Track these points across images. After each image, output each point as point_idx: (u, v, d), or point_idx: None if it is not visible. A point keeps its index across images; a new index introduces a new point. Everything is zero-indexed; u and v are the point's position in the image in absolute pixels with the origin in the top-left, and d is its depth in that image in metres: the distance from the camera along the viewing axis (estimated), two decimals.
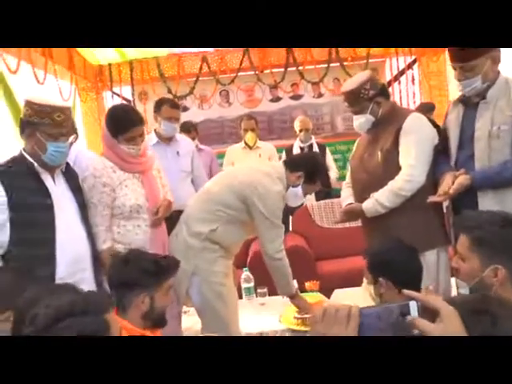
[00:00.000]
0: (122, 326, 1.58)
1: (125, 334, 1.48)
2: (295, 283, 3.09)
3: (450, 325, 0.93)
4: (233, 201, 2.53)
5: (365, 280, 2.06)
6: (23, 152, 2.17)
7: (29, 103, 2.12)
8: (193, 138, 4.16)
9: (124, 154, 2.43)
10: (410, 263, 1.91)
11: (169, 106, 3.37)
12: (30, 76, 4.18)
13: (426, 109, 4.54)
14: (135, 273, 1.78)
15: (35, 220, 2.10)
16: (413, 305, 0.95)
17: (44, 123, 2.10)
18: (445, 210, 2.47)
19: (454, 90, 2.36)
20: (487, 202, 2.15)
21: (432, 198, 2.24)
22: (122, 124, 2.41)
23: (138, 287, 1.77)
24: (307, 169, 2.63)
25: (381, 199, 2.34)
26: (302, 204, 3.44)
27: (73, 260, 2.18)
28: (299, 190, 2.64)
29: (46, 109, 2.11)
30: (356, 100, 2.42)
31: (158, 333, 1.90)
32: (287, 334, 2.67)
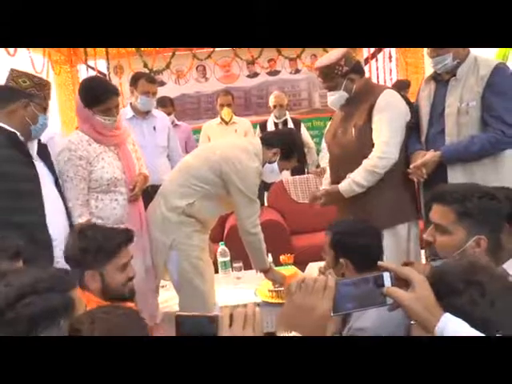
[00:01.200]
0: (87, 299, 1.58)
1: (90, 306, 1.47)
2: (270, 257, 3.16)
3: (421, 292, 1.00)
4: (210, 176, 2.53)
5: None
6: None
7: (27, 75, 2.19)
8: (169, 114, 4.13)
9: (99, 127, 2.41)
10: (374, 248, 1.88)
11: (146, 81, 3.34)
12: None
13: (402, 86, 4.59)
14: (76, 251, 1.76)
15: (23, 190, 2.10)
16: (386, 275, 1.02)
17: (39, 96, 2.19)
18: (416, 186, 2.54)
19: (430, 68, 2.39)
20: (457, 177, 2.22)
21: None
22: (98, 95, 2.38)
23: (82, 265, 1.74)
24: (283, 145, 2.65)
25: (356, 178, 2.37)
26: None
27: (62, 229, 2.24)
28: (275, 166, 2.66)
29: (43, 82, 2.25)
30: (330, 76, 2.43)
31: (132, 305, 1.87)
32: (262, 307, 2.72)
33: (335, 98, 2.50)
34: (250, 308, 0.99)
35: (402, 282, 1.03)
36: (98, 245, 1.76)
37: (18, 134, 2.14)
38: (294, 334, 0.95)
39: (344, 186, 2.41)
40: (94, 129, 2.42)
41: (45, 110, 2.23)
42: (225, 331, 0.96)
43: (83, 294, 1.65)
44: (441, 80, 2.34)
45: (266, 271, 2.74)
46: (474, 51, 2.27)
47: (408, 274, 1.03)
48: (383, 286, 1.01)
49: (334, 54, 2.47)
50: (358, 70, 2.48)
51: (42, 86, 2.20)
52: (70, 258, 1.79)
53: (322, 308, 0.97)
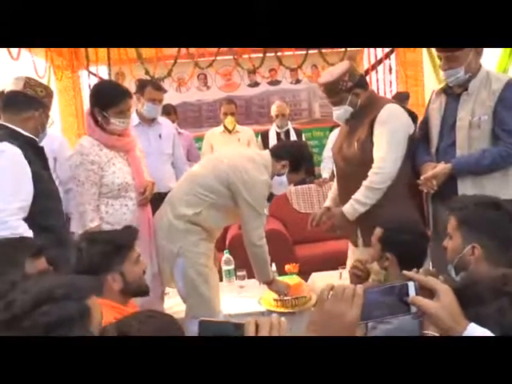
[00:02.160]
0: (102, 304, 1.58)
1: (107, 313, 1.46)
2: (273, 267, 3.17)
3: (446, 301, 1.02)
4: (216, 185, 2.53)
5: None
6: (17, 129, 2.14)
7: (42, 85, 2.30)
8: (172, 121, 4.14)
9: (110, 131, 2.43)
10: (419, 248, 1.96)
11: (152, 88, 3.35)
12: (3, 52, 4.06)
13: (402, 98, 4.62)
14: (94, 258, 1.78)
15: (47, 191, 2.17)
16: (411, 285, 1.04)
17: (49, 106, 2.30)
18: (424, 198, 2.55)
19: (430, 80, 2.43)
20: (466, 189, 2.24)
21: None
22: (112, 97, 2.41)
23: (102, 270, 1.77)
24: (293, 158, 2.65)
25: (357, 197, 2.37)
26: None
27: None
28: (284, 178, 2.66)
29: (51, 92, 2.34)
30: (334, 91, 2.43)
31: (133, 305, 1.91)
32: (266, 316, 2.71)
33: (340, 113, 2.50)
34: (275, 317, 1.00)
35: (426, 292, 1.06)
36: (114, 245, 1.81)
37: (37, 140, 2.20)
38: None
39: (347, 207, 2.40)
40: (105, 134, 2.43)
41: (48, 118, 2.32)
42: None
43: (98, 300, 1.65)
44: (452, 93, 2.37)
45: (270, 283, 2.74)
46: (486, 66, 2.30)
47: (433, 284, 1.06)
48: (408, 295, 1.04)
49: (337, 69, 2.47)
50: (362, 84, 2.48)
51: (51, 97, 2.31)
52: (89, 267, 1.78)
53: (351, 315, 0.99)
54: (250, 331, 0.97)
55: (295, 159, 2.66)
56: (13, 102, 2.15)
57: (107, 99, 2.42)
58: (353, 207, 2.38)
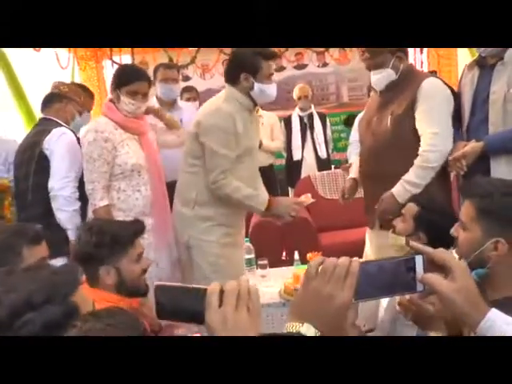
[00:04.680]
0: (96, 297, 1.48)
1: (100, 304, 1.36)
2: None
3: (463, 282, 0.87)
4: (194, 146, 2.36)
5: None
6: (58, 120, 2.70)
7: (67, 84, 2.94)
8: (194, 99, 4.05)
9: (124, 111, 2.40)
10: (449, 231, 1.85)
11: (163, 68, 3.26)
12: None
13: None
14: (87, 247, 1.68)
15: None
16: (419, 259, 0.86)
17: (73, 98, 2.82)
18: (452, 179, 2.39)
19: (464, 59, 2.24)
20: (501, 170, 2.06)
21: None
22: (126, 76, 2.41)
23: (96, 261, 1.67)
24: (240, 65, 2.33)
25: (409, 178, 2.20)
26: None
27: None
28: (258, 85, 2.31)
29: (74, 88, 2.93)
30: (379, 50, 2.26)
31: (135, 302, 1.79)
32: (288, 306, 2.61)
33: (382, 77, 2.31)
34: (243, 284, 0.80)
35: (437, 268, 0.89)
36: (114, 237, 1.69)
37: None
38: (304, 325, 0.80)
39: (398, 189, 2.22)
40: (120, 113, 2.39)
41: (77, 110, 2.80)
42: (213, 312, 0.77)
43: (93, 292, 1.58)
44: (485, 65, 2.18)
45: (267, 211, 2.41)
46: None
47: (447, 259, 0.89)
48: (414, 270, 0.85)
49: None
50: (405, 49, 2.32)
51: (73, 91, 2.85)
52: (82, 255, 1.70)
53: (341, 298, 0.80)
54: (213, 305, 0.77)
55: (243, 64, 2.32)
56: (46, 100, 2.75)
57: (122, 77, 2.42)
58: (404, 188, 2.21)
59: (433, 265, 0.89)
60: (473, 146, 2.09)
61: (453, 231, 1.42)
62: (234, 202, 2.37)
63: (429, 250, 0.89)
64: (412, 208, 1.94)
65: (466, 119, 2.23)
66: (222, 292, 0.78)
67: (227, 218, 2.45)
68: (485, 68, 2.19)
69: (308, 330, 0.79)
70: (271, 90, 2.36)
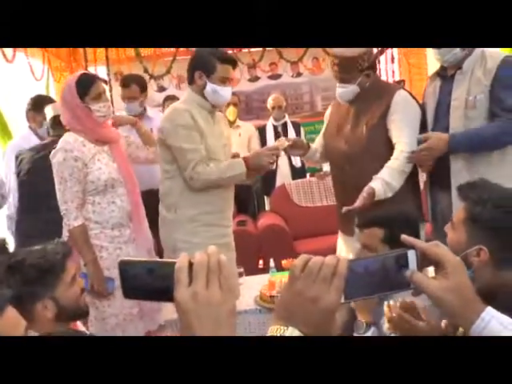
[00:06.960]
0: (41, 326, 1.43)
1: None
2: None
3: (456, 279, 0.81)
4: (164, 152, 2.41)
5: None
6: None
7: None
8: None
9: (92, 120, 2.36)
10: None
11: (121, 87, 3.42)
12: None
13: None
14: (18, 286, 1.47)
15: None
16: (411, 254, 0.80)
17: None
18: (421, 186, 2.47)
19: (433, 68, 2.34)
20: (460, 173, 2.15)
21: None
22: (83, 83, 2.35)
23: (29, 299, 1.51)
24: (204, 64, 2.38)
25: (387, 179, 2.21)
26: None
27: None
28: (211, 86, 2.36)
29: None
30: (350, 68, 2.31)
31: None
32: (265, 314, 2.64)
33: (347, 91, 2.38)
34: (212, 257, 0.73)
35: (430, 263, 0.84)
36: (38, 270, 1.54)
37: None
38: (288, 329, 0.76)
39: (379, 187, 2.20)
40: (83, 122, 2.36)
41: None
42: (183, 289, 0.71)
43: (35, 324, 1.48)
44: (446, 75, 2.28)
45: (248, 171, 2.39)
46: None
47: (440, 254, 0.82)
48: (407, 266, 0.80)
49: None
50: (374, 66, 2.41)
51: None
52: (12, 298, 1.35)
53: (327, 300, 0.74)
54: (182, 278, 0.72)
55: (198, 62, 2.38)
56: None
57: (80, 87, 2.34)
58: (383, 188, 2.20)
59: (427, 260, 0.83)
60: (438, 137, 2.16)
61: (445, 228, 1.44)
62: (215, 184, 2.39)
63: (422, 244, 0.83)
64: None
65: (430, 126, 2.31)
66: (191, 265, 0.73)
67: (212, 217, 2.46)
68: (446, 78, 2.28)
69: (293, 334, 0.75)
70: (225, 91, 2.40)
